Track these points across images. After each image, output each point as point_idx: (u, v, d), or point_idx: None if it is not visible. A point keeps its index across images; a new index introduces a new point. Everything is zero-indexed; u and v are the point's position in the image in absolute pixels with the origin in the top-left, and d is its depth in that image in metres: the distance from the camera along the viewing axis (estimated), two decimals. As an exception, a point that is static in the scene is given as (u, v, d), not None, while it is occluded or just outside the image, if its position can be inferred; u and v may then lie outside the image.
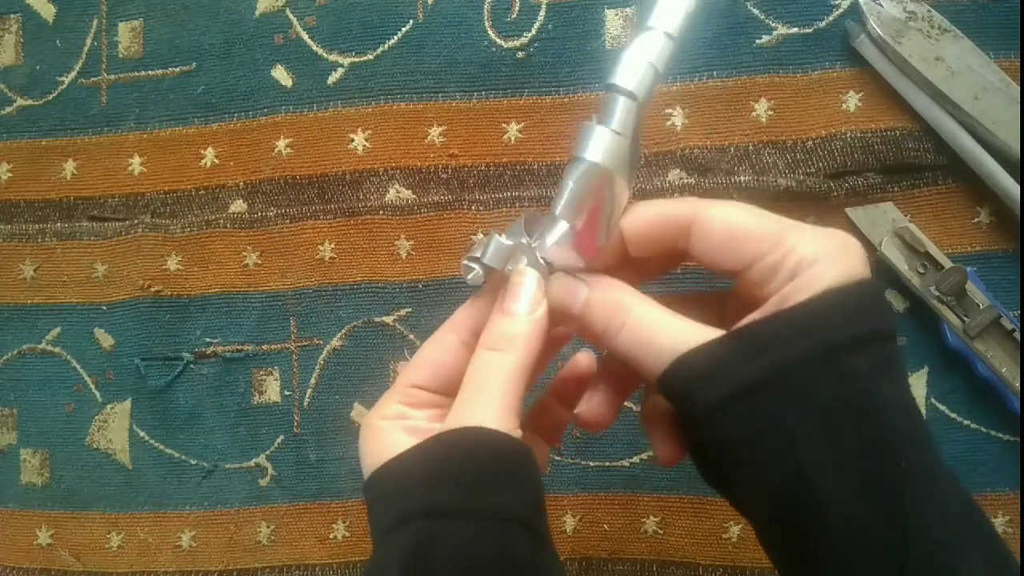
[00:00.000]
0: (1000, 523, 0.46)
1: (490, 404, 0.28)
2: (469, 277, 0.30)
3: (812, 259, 0.26)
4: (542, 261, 0.30)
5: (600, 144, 0.28)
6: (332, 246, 0.53)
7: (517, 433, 0.28)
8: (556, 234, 0.29)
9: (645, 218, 0.29)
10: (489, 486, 0.28)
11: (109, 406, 0.55)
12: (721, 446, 0.26)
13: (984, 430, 0.46)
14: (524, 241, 0.30)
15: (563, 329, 0.34)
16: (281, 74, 0.54)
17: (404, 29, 0.53)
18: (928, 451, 0.25)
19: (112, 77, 0.57)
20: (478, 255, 0.30)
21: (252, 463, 0.53)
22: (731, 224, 0.27)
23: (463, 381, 0.30)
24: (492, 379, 0.29)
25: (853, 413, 0.25)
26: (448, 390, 0.31)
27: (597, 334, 0.29)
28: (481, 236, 0.30)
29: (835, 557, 0.24)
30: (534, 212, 0.31)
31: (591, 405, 0.32)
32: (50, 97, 0.57)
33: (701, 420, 0.26)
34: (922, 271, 0.46)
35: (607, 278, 0.30)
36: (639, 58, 0.28)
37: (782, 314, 0.26)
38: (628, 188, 0.29)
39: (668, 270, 0.33)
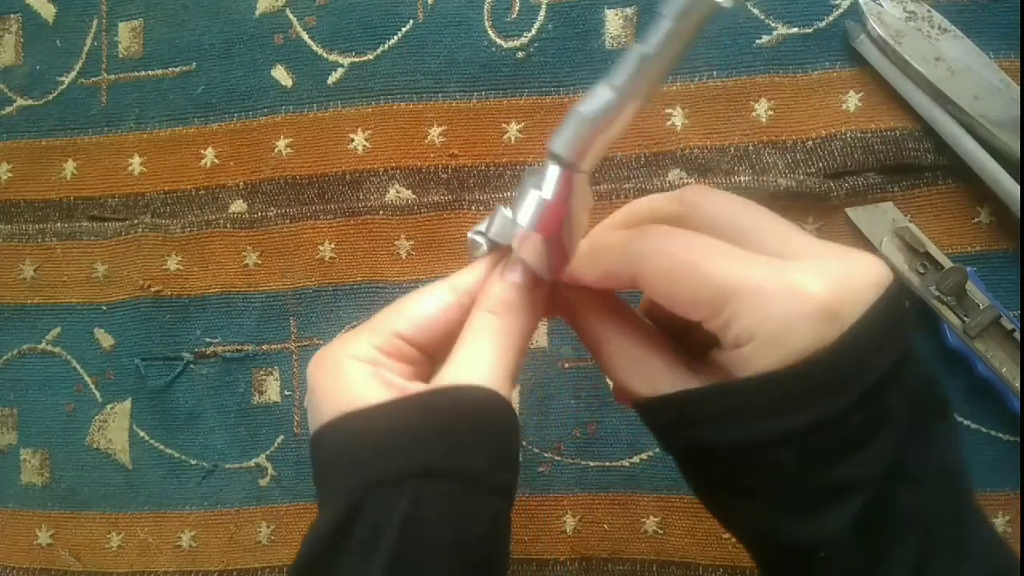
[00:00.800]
0: (1000, 523, 0.46)
1: (494, 368, 0.27)
2: (477, 253, 0.30)
3: (748, 336, 0.24)
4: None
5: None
6: (332, 246, 0.53)
7: (510, 397, 0.28)
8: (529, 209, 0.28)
9: (594, 268, 0.28)
10: (493, 457, 0.27)
11: (109, 406, 0.55)
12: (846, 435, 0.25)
13: (984, 430, 0.46)
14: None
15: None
16: (281, 74, 0.54)
17: (404, 29, 0.53)
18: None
19: (112, 77, 0.57)
20: (483, 229, 0.30)
21: (252, 463, 0.53)
22: (672, 273, 0.25)
23: (462, 339, 0.28)
24: (494, 341, 0.28)
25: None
26: (428, 349, 0.29)
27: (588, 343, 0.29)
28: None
29: None
30: (535, 169, 0.30)
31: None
32: (50, 97, 0.57)
33: (684, 452, 0.28)
34: (922, 271, 0.46)
35: (597, 297, 0.30)
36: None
37: (733, 386, 0.25)
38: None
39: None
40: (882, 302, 0.24)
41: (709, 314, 0.25)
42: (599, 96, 0.26)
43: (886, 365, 0.24)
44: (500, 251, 0.30)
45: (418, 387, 0.27)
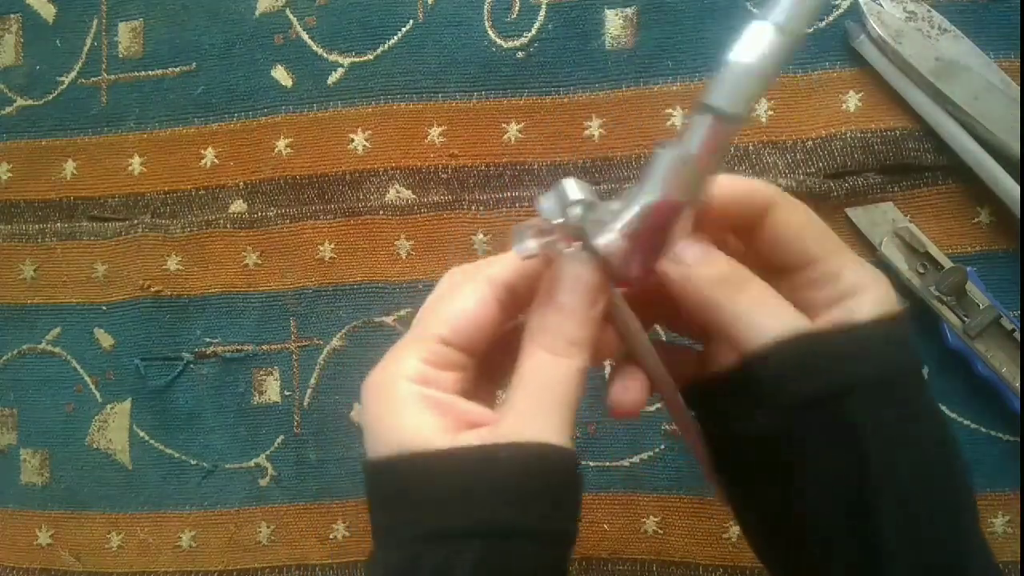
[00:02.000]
0: (1000, 523, 0.46)
1: (557, 417, 0.27)
2: (523, 254, 0.27)
3: (866, 283, 0.27)
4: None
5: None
6: (332, 246, 0.53)
7: (571, 445, 0.27)
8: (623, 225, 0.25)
9: (735, 185, 0.28)
10: (559, 511, 0.27)
11: (109, 406, 0.55)
12: (792, 442, 0.26)
13: (984, 430, 0.46)
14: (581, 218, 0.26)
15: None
16: (281, 74, 0.54)
17: (404, 29, 0.53)
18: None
19: (112, 77, 0.57)
20: (547, 218, 0.26)
21: (252, 463, 0.53)
22: (804, 218, 0.28)
23: (519, 380, 0.27)
24: (560, 388, 0.27)
25: (924, 437, 0.26)
26: (475, 350, 0.28)
27: (698, 289, 0.27)
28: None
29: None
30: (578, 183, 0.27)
31: (626, 389, 0.30)
32: (50, 97, 0.57)
33: (785, 410, 0.26)
34: (922, 271, 0.46)
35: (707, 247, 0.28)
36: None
37: (857, 329, 0.26)
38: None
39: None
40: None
41: (828, 254, 0.27)
42: (762, 40, 0.23)
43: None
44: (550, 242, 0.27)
45: (474, 436, 0.26)
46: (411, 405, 0.26)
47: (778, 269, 0.28)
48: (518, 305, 0.29)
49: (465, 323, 0.28)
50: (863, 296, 0.27)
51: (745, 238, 0.29)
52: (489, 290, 0.28)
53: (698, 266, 0.27)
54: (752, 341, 0.26)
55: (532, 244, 0.26)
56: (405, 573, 0.25)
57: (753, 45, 0.23)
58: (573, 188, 0.26)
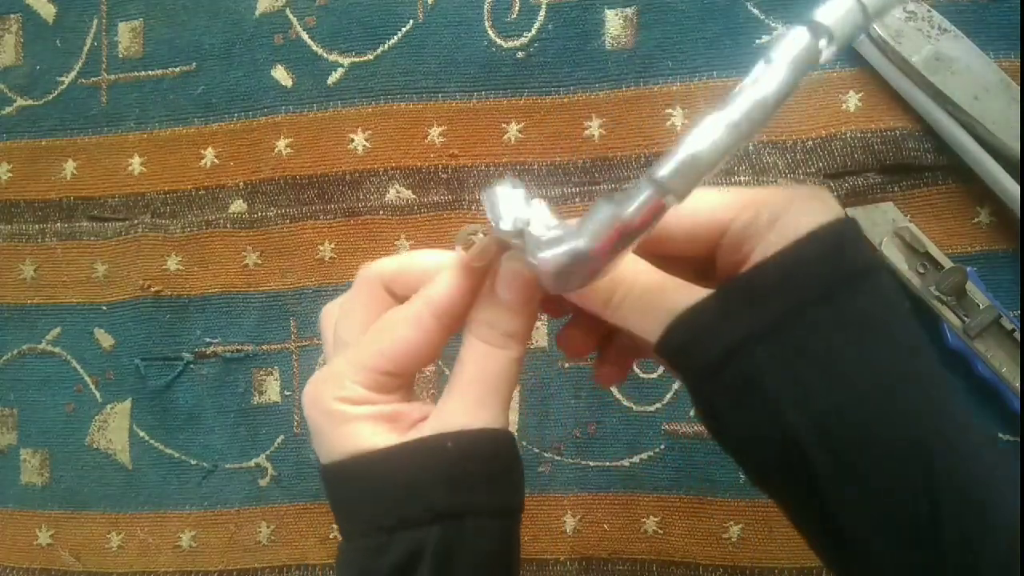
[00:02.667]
0: (1000, 523, 0.46)
1: (494, 404, 0.29)
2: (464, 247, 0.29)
3: (782, 209, 0.26)
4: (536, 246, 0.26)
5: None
6: (332, 246, 0.53)
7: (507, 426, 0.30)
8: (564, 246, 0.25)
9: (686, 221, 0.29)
10: (505, 488, 0.29)
11: (109, 406, 0.55)
12: (714, 406, 0.27)
13: (984, 430, 0.46)
14: (519, 228, 0.26)
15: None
16: (281, 74, 0.54)
17: (404, 29, 0.53)
18: (937, 385, 0.25)
19: (112, 77, 0.57)
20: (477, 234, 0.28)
21: (252, 463, 0.53)
22: (694, 199, 0.26)
23: (459, 372, 0.29)
24: (497, 377, 0.29)
25: (849, 361, 0.25)
26: (414, 371, 0.30)
27: (597, 310, 0.28)
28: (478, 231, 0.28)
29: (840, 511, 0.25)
30: (514, 182, 0.27)
31: (602, 372, 0.33)
32: (50, 97, 0.57)
33: (696, 384, 0.27)
34: (922, 271, 0.46)
35: None
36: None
37: (763, 265, 0.25)
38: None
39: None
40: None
41: (736, 211, 0.26)
42: (714, 134, 0.24)
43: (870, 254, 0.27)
44: (478, 255, 0.28)
45: (418, 431, 0.28)
46: (359, 421, 0.28)
47: (709, 251, 0.28)
48: (459, 320, 0.29)
49: (406, 356, 0.29)
50: (778, 226, 0.26)
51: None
52: (430, 318, 0.29)
53: (586, 290, 0.27)
54: (652, 336, 0.27)
55: (476, 250, 0.28)
56: (374, 563, 0.27)
57: (708, 134, 0.24)
58: (513, 197, 0.26)
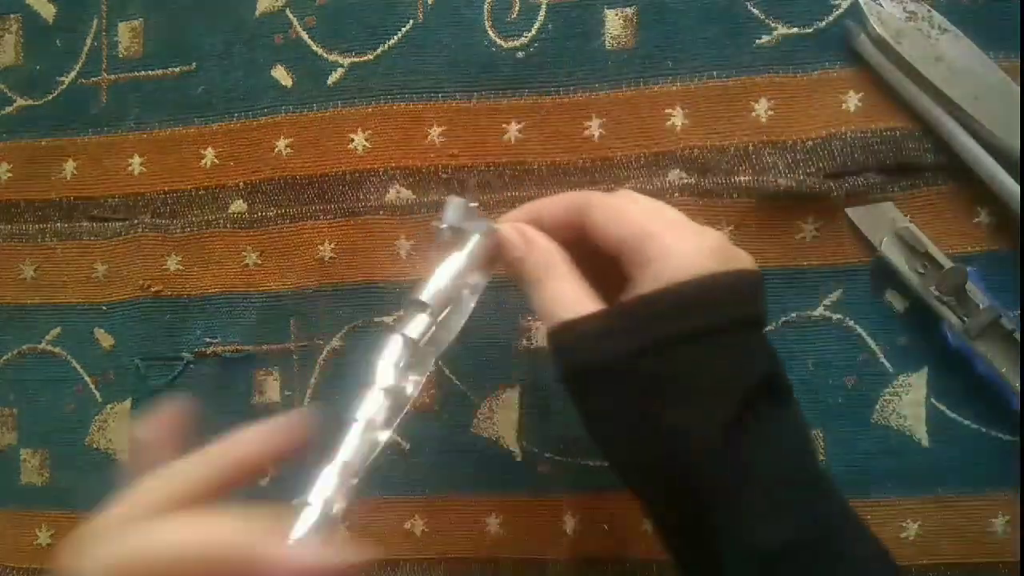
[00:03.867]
0: (1000, 523, 0.46)
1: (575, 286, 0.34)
2: (439, 240, 0.37)
3: (664, 253, 0.31)
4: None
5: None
6: (332, 246, 0.53)
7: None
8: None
9: (551, 204, 0.37)
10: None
11: (109, 406, 0.55)
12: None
13: (984, 430, 0.46)
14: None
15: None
16: (281, 74, 0.54)
17: (404, 29, 0.53)
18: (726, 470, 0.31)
19: (112, 77, 0.57)
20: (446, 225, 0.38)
21: (252, 463, 0.53)
22: (610, 210, 0.34)
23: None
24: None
25: (645, 415, 0.31)
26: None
27: (523, 282, 0.35)
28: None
29: None
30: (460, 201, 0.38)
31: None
32: (50, 97, 0.57)
33: (566, 377, 0.34)
34: (922, 271, 0.46)
35: (539, 238, 0.35)
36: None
37: (627, 305, 0.31)
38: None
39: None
40: (758, 272, 0.34)
41: (634, 234, 0.32)
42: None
43: (758, 312, 0.33)
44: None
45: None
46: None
47: (620, 261, 0.33)
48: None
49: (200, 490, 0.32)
50: (655, 265, 0.31)
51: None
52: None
53: (516, 269, 0.36)
54: (545, 327, 0.34)
55: (447, 236, 0.38)
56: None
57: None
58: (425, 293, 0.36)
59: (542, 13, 0.51)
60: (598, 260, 0.34)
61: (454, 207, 0.37)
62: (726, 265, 0.31)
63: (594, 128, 0.50)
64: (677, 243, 0.31)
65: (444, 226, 0.37)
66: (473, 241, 0.36)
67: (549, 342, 0.33)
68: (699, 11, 0.50)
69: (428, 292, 0.35)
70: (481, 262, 0.36)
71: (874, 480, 0.47)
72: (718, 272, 0.31)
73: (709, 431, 0.29)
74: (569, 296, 0.33)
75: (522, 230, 0.36)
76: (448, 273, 0.35)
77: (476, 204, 0.38)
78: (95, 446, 0.55)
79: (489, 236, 0.36)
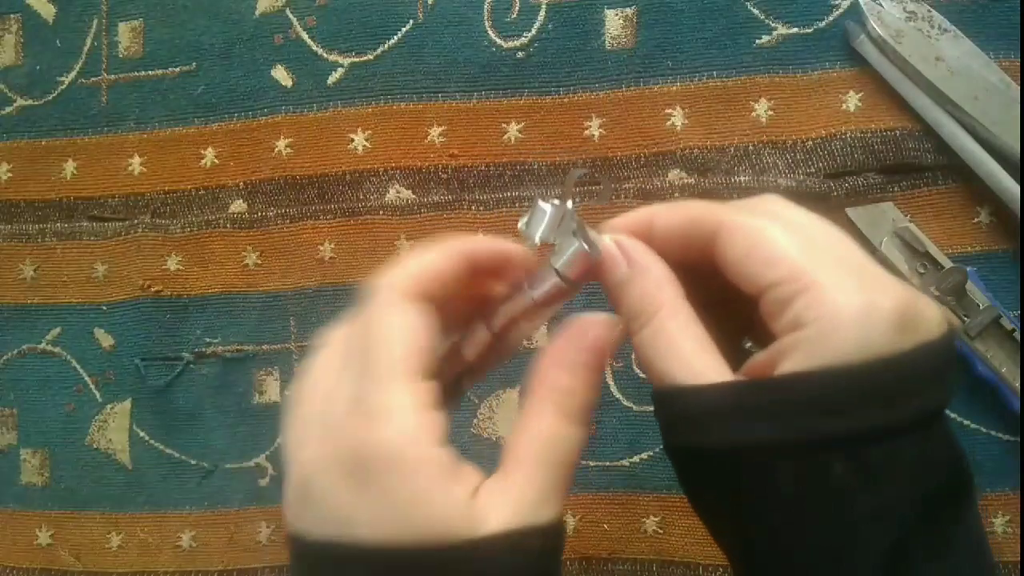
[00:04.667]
0: (1000, 523, 0.46)
1: (563, 492, 0.25)
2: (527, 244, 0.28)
3: (816, 316, 0.22)
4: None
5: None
6: (332, 246, 0.53)
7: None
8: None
9: (679, 214, 0.27)
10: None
11: (109, 406, 0.55)
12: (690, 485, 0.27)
13: (984, 430, 0.46)
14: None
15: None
16: (281, 74, 0.54)
17: (404, 29, 0.53)
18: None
19: (112, 77, 0.57)
20: (532, 233, 0.28)
21: (252, 463, 0.53)
22: (752, 238, 0.24)
23: (529, 445, 0.25)
24: (567, 461, 0.25)
25: (808, 516, 0.23)
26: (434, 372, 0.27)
27: (623, 313, 0.27)
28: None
29: None
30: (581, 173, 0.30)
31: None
32: (50, 97, 0.57)
33: (677, 455, 0.26)
34: (922, 271, 0.46)
35: (652, 262, 0.26)
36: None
37: (762, 385, 0.23)
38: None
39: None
40: (950, 336, 0.23)
41: (784, 276, 0.23)
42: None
43: (944, 398, 0.23)
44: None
45: (497, 518, 0.23)
46: (434, 478, 0.23)
47: (758, 306, 0.25)
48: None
49: (417, 351, 0.25)
50: (802, 334, 0.22)
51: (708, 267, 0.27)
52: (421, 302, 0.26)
53: (617, 298, 0.27)
54: (650, 380, 0.26)
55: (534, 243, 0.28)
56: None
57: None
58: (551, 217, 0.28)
59: (542, 13, 0.51)
60: (716, 288, 0.26)
61: (545, 217, 0.28)
62: (910, 334, 0.22)
63: (594, 128, 0.50)
64: (845, 302, 0.22)
65: (529, 240, 0.28)
66: (566, 259, 0.27)
67: (656, 405, 0.25)
68: (699, 11, 0.50)
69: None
70: (568, 284, 0.27)
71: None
72: (899, 353, 0.22)
73: (867, 559, 0.22)
74: (686, 350, 0.24)
75: (630, 249, 0.27)
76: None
77: (573, 204, 0.28)
78: (95, 446, 0.55)
79: (586, 256, 0.27)
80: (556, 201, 0.28)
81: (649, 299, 0.26)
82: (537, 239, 0.28)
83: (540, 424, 0.25)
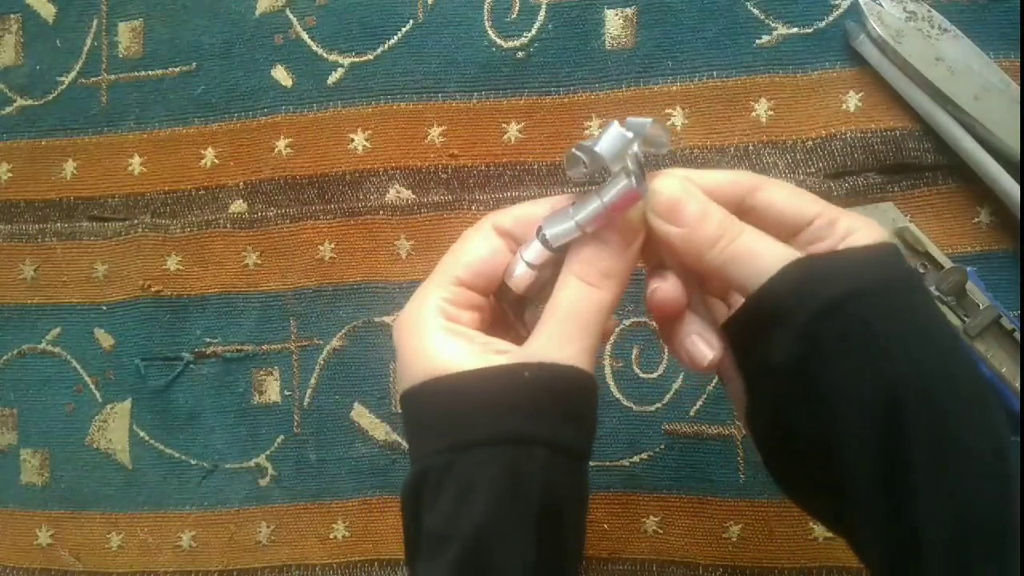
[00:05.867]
0: (1000, 523, 0.46)
1: (580, 343, 0.29)
2: (571, 172, 0.30)
3: (856, 227, 0.29)
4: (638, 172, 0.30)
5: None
6: (332, 246, 0.53)
7: (592, 370, 0.30)
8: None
9: (716, 178, 0.31)
10: (576, 426, 0.29)
11: (109, 406, 0.55)
12: (816, 355, 0.27)
13: (984, 430, 0.46)
14: (633, 150, 0.30)
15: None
16: (281, 74, 0.54)
17: (404, 29, 0.53)
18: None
19: (112, 77, 0.57)
20: (591, 146, 0.30)
21: (252, 463, 0.53)
22: (792, 188, 0.30)
23: (552, 307, 0.30)
24: (584, 316, 0.29)
25: (941, 334, 0.27)
26: (488, 289, 0.31)
27: (700, 254, 0.29)
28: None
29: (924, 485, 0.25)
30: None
31: (664, 285, 0.32)
32: (50, 97, 0.57)
33: (803, 324, 0.27)
34: (922, 271, 0.46)
35: (708, 199, 0.30)
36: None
37: (856, 249, 0.28)
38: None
39: None
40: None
41: (820, 212, 0.29)
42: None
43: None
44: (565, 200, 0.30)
45: (501, 358, 0.29)
46: (439, 335, 0.30)
47: (782, 237, 0.30)
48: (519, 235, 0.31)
49: (478, 267, 0.31)
50: (857, 234, 0.28)
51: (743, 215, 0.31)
52: (495, 234, 0.31)
53: (696, 228, 0.29)
54: (757, 279, 0.28)
55: (582, 170, 0.30)
56: (439, 479, 0.28)
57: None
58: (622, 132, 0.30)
59: (542, 13, 0.51)
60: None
61: (612, 137, 0.30)
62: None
63: (594, 128, 0.50)
64: (860, 222, 0.29)
65: (583, 152, 0.30)
66: (616, 189, 0.29)
67: (777, 289, 0.28)
68: (699, 11, 0.50)
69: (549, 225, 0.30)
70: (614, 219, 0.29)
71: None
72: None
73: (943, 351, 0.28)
74: (778, 243, 0.29)
75: (692, 191, 0.30)
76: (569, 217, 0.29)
77: (646, 148, 0.31)
78: (95, 446, 0.55)
79: (634, 190, 0.29)
80: (629, 133, 0.30)
81: (729, 222, 0.29)
82: (599, 150, 0.29)
83: (560, 289, 0.30)
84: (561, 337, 0.29)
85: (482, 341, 0.30)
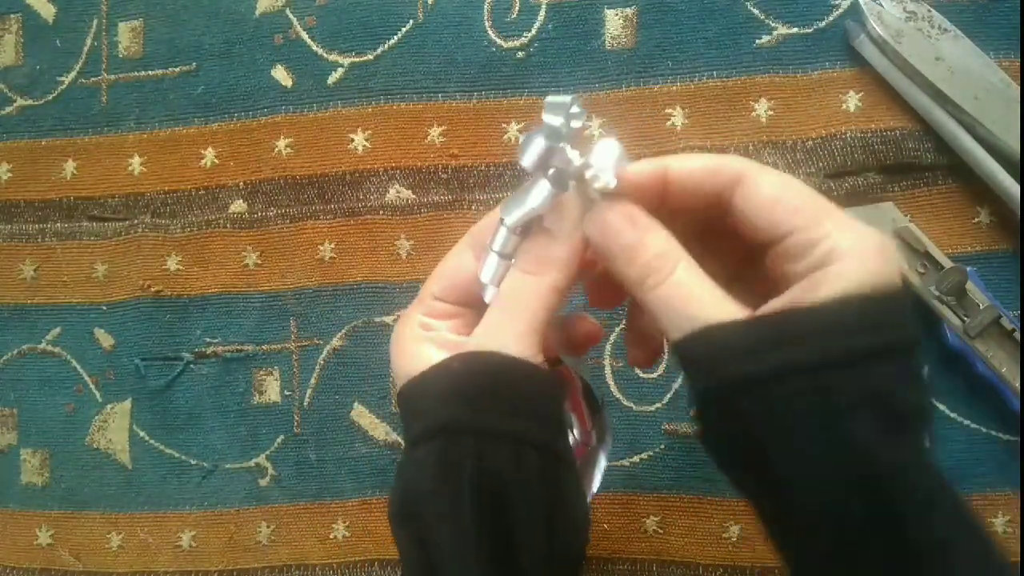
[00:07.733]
0: (1000, 523, 0.46)
1: (514, 329, 0.29)
2: (524, 160, 0.29)
3: (845, 252, 0.25)
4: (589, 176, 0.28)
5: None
6: (332, 246, 0.53)
7: (538, 357, 0.29)
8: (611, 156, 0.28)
9: (698, 163, 0.28)
10: (503, 411, 0.29)
11: (109, 406, 0.55)
12: (735, 425, 0.27)
13: (984, 430, 0.46)
14: (577, 161, 0.29)
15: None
16: (281, 74, 0.54)
17: (404, 29, 0.53)
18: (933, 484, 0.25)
19: (112, 77, 0.57)
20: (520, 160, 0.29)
21: (252, 463, 0.53)
22: (777, 188, 0.27)
23: (495, 299, 0.31)
24: (519, 303, 0.30)
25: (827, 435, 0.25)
26: (467, 301, 0.32)
27: (629, 283, 0.28)
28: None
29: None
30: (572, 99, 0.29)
31: (630, 353, 0.36)
32: (50, 97, 0.57)
33: (720, 395, 0.26)
34: (922, 271, 0.46)
35: (655, 224, 0.28)
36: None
37: (807, 310, 0.25)
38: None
39: (700, 234, 0.30)
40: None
41: (805, 223, 0.26)
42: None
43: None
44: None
45: (451, 352, 0.30)
46: (413, 343, 0.31)
47: (761, 244, 0.28)
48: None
49: (450, 279, 0.32)
50: (836, 266, 0.25)
51: (723, 215, 0.29)
52: (468, 252, 0.32)
53: (627, 262, 0.28)
54: (676, 332, 0.27)
55: (534, 156, 0.29)
56: (416, 468, 0.29)
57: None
58: (569, 105, 0.29)
59: (542, 13, 0.51)
60: (714, 244, 0.30)
61: (532, 147, 0.29)
62: (894, 268, 0.26)
63: (594, 128, 0.50)
64: (853, 242, 0.25)
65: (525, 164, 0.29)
66: (535, 191, 0.29)
67: (689, 348, 0.26)
68: (699, 11, 0.50)
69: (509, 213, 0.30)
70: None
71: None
72: (897, 285, 0.26)
73: (906, 452, 0.25)
74: (716, 295, 0.27)
75: (635, 213, 0.28)
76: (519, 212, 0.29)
77: (577, 125, 0.30)
78: (95, 446, 0.55)
79: (552, 192, 0.29)
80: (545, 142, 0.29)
81: (664, 257, 0.27)
82: (524, 165, 0.29)
83: (503, 285, 0.30)
84: (498, 325, 0.30)
85: (452, 342, 0.31)
